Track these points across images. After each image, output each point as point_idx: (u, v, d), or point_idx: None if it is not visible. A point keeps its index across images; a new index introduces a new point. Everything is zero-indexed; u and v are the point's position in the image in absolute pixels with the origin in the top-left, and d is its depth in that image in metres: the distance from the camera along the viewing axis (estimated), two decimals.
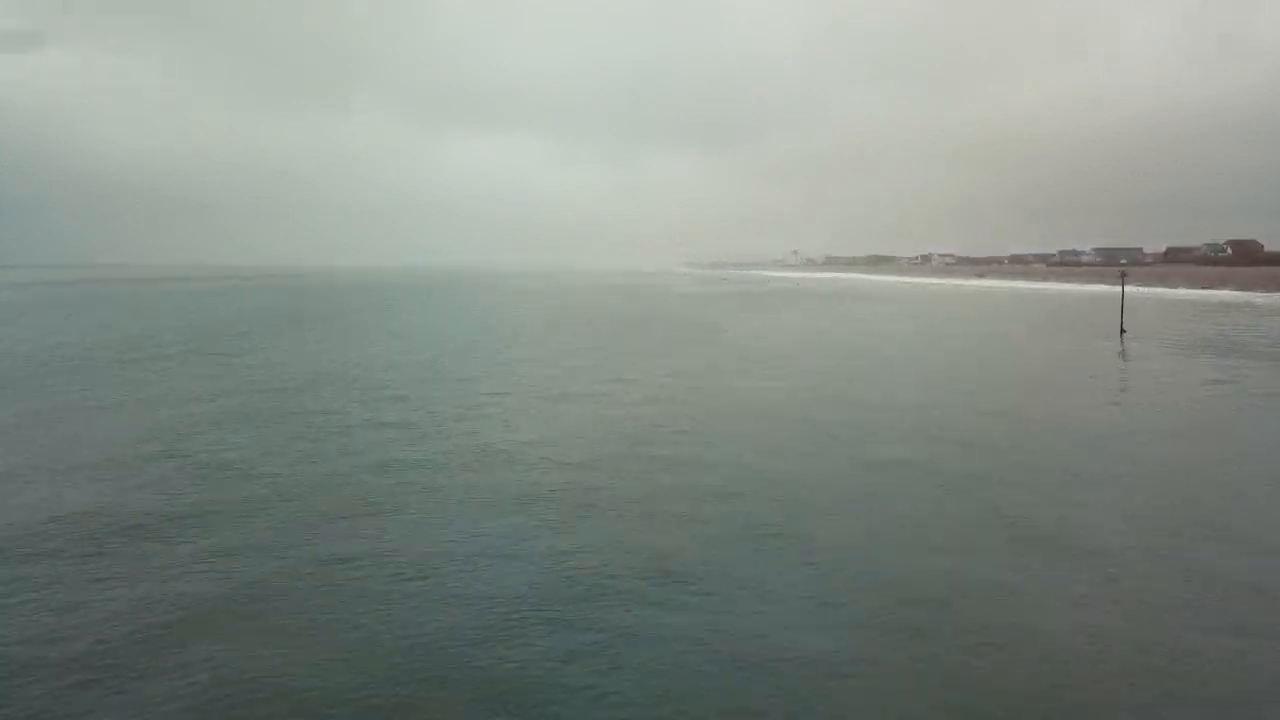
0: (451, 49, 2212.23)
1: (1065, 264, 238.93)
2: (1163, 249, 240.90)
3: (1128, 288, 69.62)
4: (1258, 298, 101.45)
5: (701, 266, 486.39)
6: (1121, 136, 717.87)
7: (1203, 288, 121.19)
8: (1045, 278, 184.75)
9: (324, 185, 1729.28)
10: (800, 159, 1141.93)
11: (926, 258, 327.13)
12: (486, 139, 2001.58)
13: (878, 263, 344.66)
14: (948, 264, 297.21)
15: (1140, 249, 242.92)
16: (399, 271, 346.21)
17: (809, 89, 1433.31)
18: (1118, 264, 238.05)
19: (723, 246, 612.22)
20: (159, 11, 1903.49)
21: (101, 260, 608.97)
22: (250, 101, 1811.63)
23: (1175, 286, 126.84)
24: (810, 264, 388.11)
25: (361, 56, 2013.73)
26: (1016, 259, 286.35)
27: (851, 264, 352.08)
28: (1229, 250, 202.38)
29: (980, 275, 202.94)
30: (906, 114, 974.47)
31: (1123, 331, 54.80)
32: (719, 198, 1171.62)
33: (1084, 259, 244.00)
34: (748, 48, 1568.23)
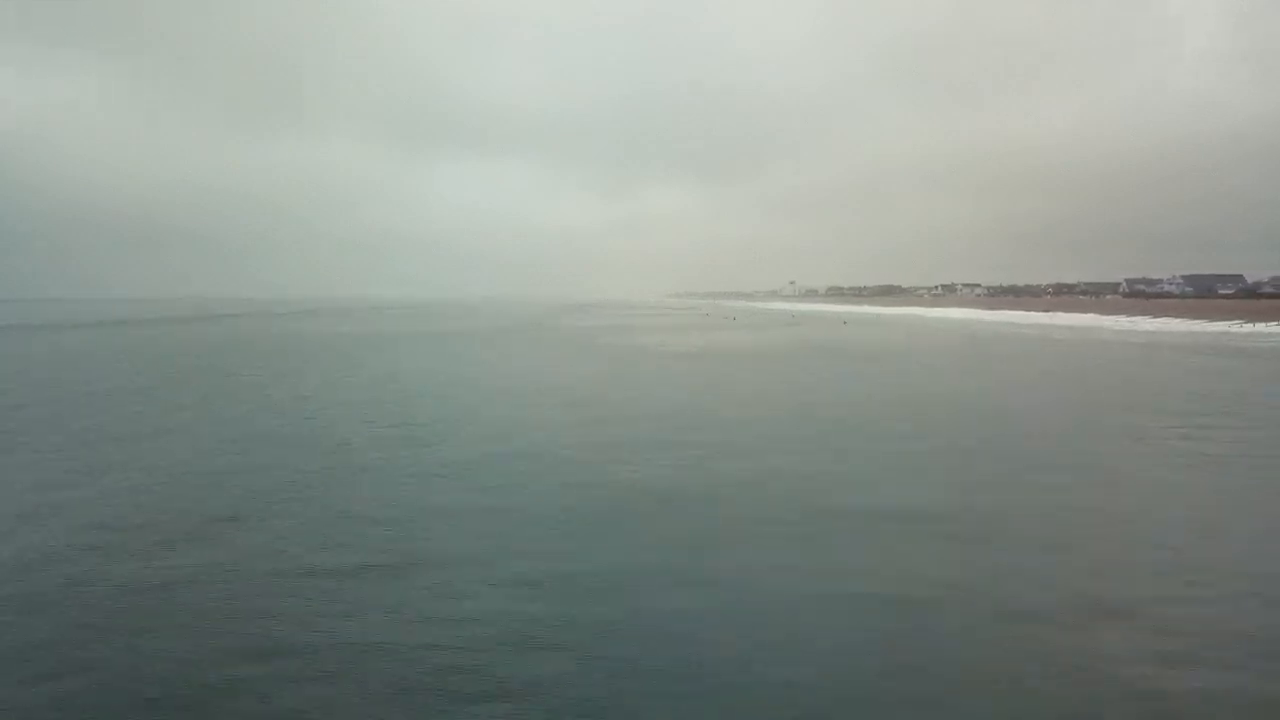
0: (432, 72, 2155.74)
1: (1147, 295, 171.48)
2: (1267, 276, 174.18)
3: None
4: None
5: (698, 297, 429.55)
6: (1151, 163, 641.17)
7: None
8: (1158, 313, 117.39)
9: (307, 213, 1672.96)
10: (803, 191, 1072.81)
11: (950, 288, 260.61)
12: (470, 165, 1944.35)
13: (889, 294, 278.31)
14: (978, 295, 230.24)
15: (1242, 276, 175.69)
16: (421, 304, 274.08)
17: (813, 120, 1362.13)
18: (1215, 295, 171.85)
19: (722, 279, 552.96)
20: (118, 35, 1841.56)
21: (74, 295, 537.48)
22: (223, 127, 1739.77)
23: None
24: (811, 294, 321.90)
25: (337, 79, 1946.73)
26: (1063, 288, 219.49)
27: (859, 295, 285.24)
28: None
29: (1049, 309, 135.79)
30: (915, 143, 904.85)
31: None
32: (719, 230, 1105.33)
33: (1167, 288, 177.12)
34: (749, 78, 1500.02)
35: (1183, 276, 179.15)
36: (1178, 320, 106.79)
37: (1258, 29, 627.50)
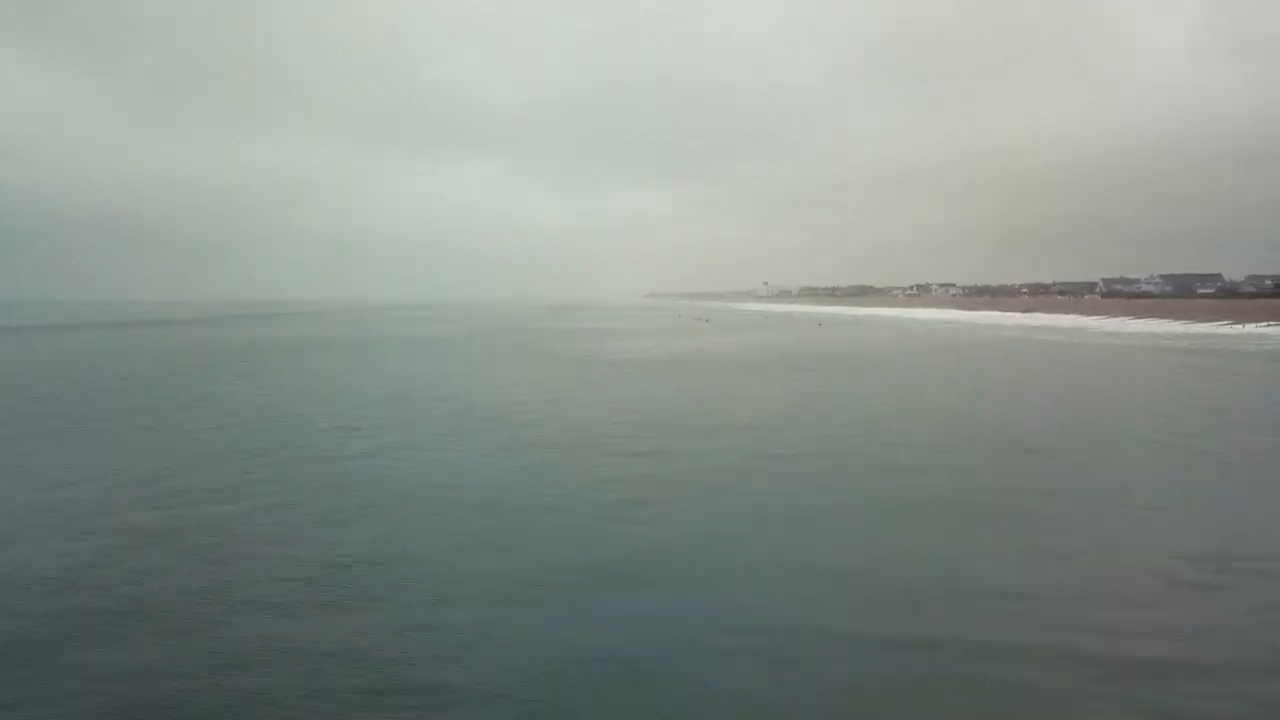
0: (432, 72, 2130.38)
1: (1125, 295, 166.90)
2: (1242, 276, 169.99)
3: None
4: None
5: (674, 298, 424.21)
6: (1136, 162, 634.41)
7: None
8: (1141, 314, 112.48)
9: (307, 214, 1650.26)
10: (789, 192, 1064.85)
11: (924, 288, 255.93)
12: (471, 165, 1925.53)
13: (864, 294, 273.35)
14: (953, 295, 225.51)
15: (1220, 275, 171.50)
16: (423, 305, 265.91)
17: (791, 120, 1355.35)
18: (1194, 294, 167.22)
19: (696, 279, 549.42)
20: (118, 35, 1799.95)
21: (75, 298, 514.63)
22: (223, 127, 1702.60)
23: None
24: (784, 295, 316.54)
25: (338, 79, 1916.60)
26: (1039, 288, 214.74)
27: (833, 295, 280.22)
28: None
29: (1028, 309, 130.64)
30: (891, 144, 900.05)
31: None
32: (700, 231, 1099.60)
33: (1146, 288, 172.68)
34: (749, 77, 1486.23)
35: (1161, 276, 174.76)
36: (1161, 321, 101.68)
37: (1257, 28, 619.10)
